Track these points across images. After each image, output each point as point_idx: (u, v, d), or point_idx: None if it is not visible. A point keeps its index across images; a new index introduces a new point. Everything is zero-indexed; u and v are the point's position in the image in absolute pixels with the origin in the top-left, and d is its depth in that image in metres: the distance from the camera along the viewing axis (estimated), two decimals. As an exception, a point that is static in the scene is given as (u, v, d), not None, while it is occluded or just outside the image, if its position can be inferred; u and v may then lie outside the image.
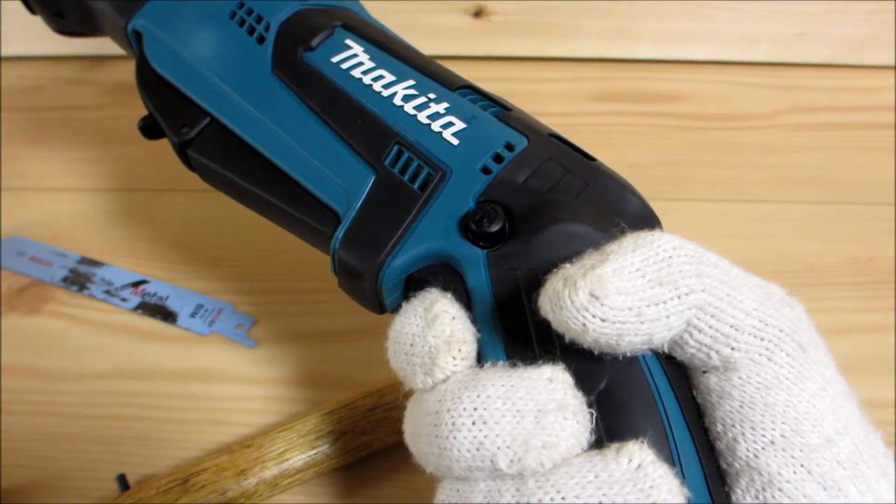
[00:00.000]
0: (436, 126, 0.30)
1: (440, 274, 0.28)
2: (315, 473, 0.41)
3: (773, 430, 0.23)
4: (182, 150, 0.36)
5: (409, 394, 0.26)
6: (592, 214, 0.27)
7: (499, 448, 0.22)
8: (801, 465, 0.23)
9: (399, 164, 0.30)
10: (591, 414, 0.23)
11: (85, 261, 0.53)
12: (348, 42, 0.34)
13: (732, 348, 0.24)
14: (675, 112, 0.65)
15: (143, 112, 0.38)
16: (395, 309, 0.29)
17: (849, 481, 0.22)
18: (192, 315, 0.50)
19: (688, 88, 0.67)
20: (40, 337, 0.50)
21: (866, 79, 0.67)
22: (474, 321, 0.26)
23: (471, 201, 0.28)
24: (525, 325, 0.25)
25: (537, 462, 0.22)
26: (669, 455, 0.23)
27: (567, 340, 0.23)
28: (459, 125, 0.30)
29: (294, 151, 0.32)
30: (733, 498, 0.24)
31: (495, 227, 0.27)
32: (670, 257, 0.23)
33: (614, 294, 0.22)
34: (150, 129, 0.38)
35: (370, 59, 0.33)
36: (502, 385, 0.23)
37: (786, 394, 0.23)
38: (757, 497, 0.23)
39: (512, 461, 0.22)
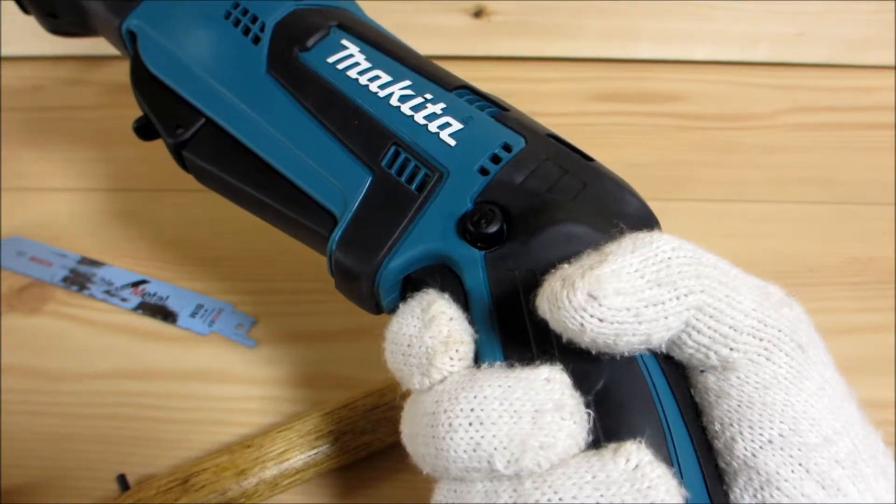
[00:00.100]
0: (433, 127, 0.30)
1: (438, 275, 0.28)
2: (315, 473, 0.41)
3: (772, 429, 0.23)
4: (177, 152, 0.36)
5: (406, 394, 0.26)
6: (591, 215, 0.26)
7: (496, 449, 0.22)
8: (800, 464, 0.23)
9: (396, 165, 0.30)
10: (589, 414, 0.23)
11: (85, 261, 0.53)
12: (344, 42, 0.34)
13: (731, 349, 0.24)
14: (675, 112, 0.65)
15: (144, 112, 0.38)
16: (393, 310, 0.29)
17: (847, 480, 0.22)
18: (192, 315, 0.50)
19: (688, 88, 0.67)
20: (40, 337, 0.50)
21: (866, 79, 0.67)
22: (472, 322, 0.26)
23: (468, 202, 0.28)
24: (523, 325, 0.25)
25: (534, 463, 0.22)
26: (667, 455, 0.23)
27: (565, 340, 0.23)
28: (456, 126, 0.30)
29: (290, 152, 0.32)
30: (731, 497, 0.24)
31: (493, 228, 0.27)
32: (669, 258, 0.23)
33: (612, 294, 0.22)
34: (144, 129, 0.38)
35: (366, 60, 0.33)
36: (499, 386, 0.23)
37: (784, 393, 0.23)
38: (755, 496, 0.23)
39: (509, 462, 0.22)
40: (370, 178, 0.30)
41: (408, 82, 0.32)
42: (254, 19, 0.35)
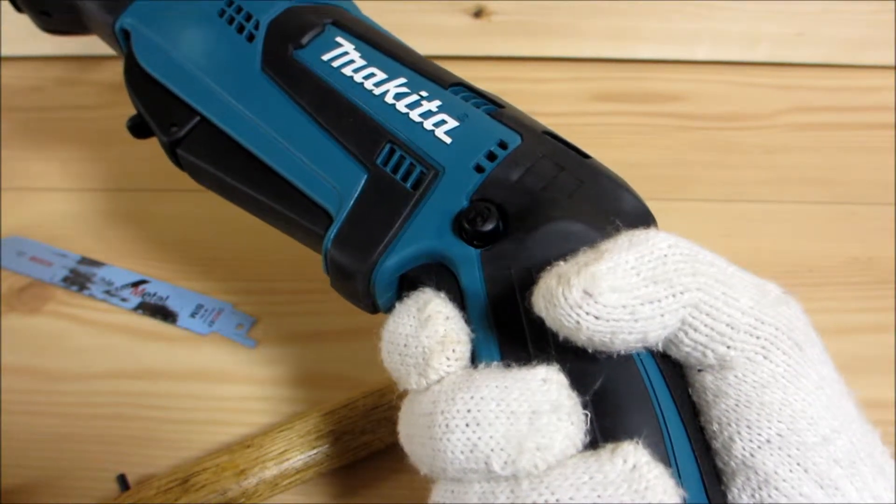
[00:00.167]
0: (428, 124, 0.30)
1: (434, 273, 0.28)
2: (315, 473, 0.41)
3: (769, 428, 0.23)
4: (172, 150, 0.36)
5: (403, 395, 0.26)
6: (587, 213, 0.26)
7: (492, 450, 0.22)
8: (798, 464, 0.23)
9: (391, 162, 0.30)
10: (586, 415, 0.23)
11: (85, 261, 0.53)
12: (339, 40, 0.34)
13: (728, 347, 0.24)
14: (675, 112, 0.65)
15: (142, 112, 0.38)
16: (389, 309, 0.29)
17: (846, 480, 0.22)
18: (192, 315, 0.50)
19: (688, 88, 0.67)
20: (40, 337, 0.50)
21: (866, 79, 0.67)
22: (468, 321, 0.26)
23: (464, 200, 0.28)
24: (520, 324, 0.25)
25: (531, 464, 0.22)
26: (665, 454, 0.23)
27: (561, 339, 0.23)
28: (452, 123, 0.30)
29: (285, 150, 0.32)
30: (729, 497, 0.24)
31: (489, 226, 0.26)
32: (665, 255, 0.23)
33: (608, 292, 0.22)
34: (139, 128, 0.38)
35: (361, 57, 0.33)
36: (496, 386, 0.23)
37: (782, 392, 0.23)
38: (753, 496, 0.23)
39: (506, 463, 0.22)
40: (365, 176, 0.30)
41: (403, 80, 0.32)
42: (248, 17, 0.35)
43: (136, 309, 0.50)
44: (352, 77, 0.32)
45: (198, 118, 0.35)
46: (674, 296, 0.23)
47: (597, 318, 0.22)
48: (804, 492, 0.22)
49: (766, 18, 0.65)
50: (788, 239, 0.55)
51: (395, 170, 0.30)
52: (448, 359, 0.25)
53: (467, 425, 0.22)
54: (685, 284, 0.23)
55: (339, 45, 0.34)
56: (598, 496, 0.21)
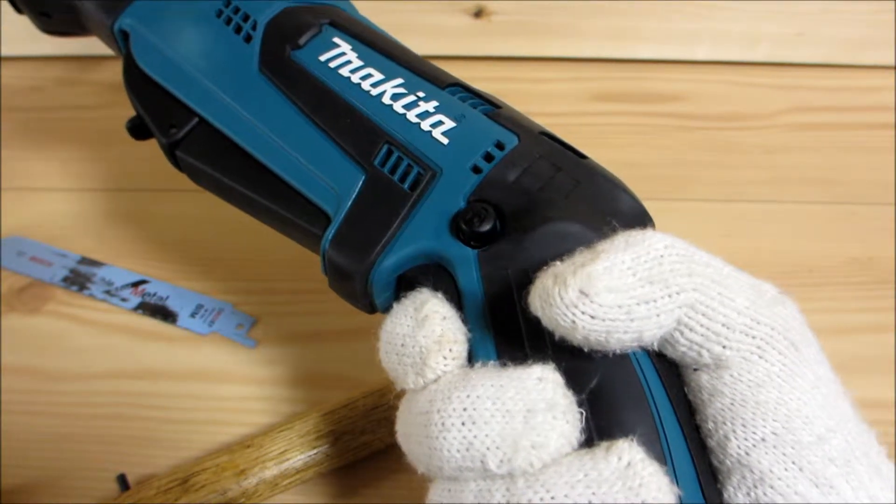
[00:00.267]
0: (425, 125, 0.30)
1: (431, 274, 0.28)
2: (315, 473, 0.41)
3: (765, 427, 0.23)
4: (170, 151, 0.36)
5: (401, 394, 0.26)
6: (584, 213, 0.27)
7: (488, 448, 0.22)
8: (793, 463, 0.23)
9: (389, 163, 0.30)
10: (582, 413, 0.23)
11: (85, 261, 0.53)
12: (336, 40, 0.34)
13: (724, 346, 0.24)
14: (675, 112, 0.65)
15: (143, 112, 0.38)
16: (387, 309, 0.29)
17: (841, 479, 0.22)
18: (192, 315, 0.50)
19: (688, 88, 0.67)
20: (40, 337, 0.50)
21: (866, 79, 0.67)
22: (465, 321, 0.26)
23: (461, 201, 0.28)
24: (516, 324, 0.25)
25: (527, 462, 0.22)
26: (661, 453, 0.23)
27: (557, 338, 0.23)
28: (449, 124, 0.30)
29: (283, 152, 0.32)
30: (725, 495, 0.24)
31: (486, 227, 0.27)
32: (661, 256, 0.23)
33: (604, 291, 0.22)
34: (138, 129, 0.38)
35: (358, 58, 0.33)
36: (492, 385, 0.23)
37: (777, 391, 0.23)
38: (748, 494, 0.23)
39: (501, 461, 0.22)
40: (363, 177, 0.30)
41: (400, 80, 0.32)
42: (245, 17, 0.35)
43: (136, 309, 0.50)
44: (349, 78, 0.32)
45: (196, 119, 0.35)
46: (670, 296, 0.23)
47: (593, 317, 0.22)
48: (799, 490, 0.22)
49: (766, 18, 0.65)
50: (788, 239, 0.55)
51: (393, 171, 0.30)
52: (445, 358, 0.25)
53: (463, 424, 0.23)
54: (681, 285, 0.23)
55: (337, 45, 0.34)
56: (593, 493, 0.21)
